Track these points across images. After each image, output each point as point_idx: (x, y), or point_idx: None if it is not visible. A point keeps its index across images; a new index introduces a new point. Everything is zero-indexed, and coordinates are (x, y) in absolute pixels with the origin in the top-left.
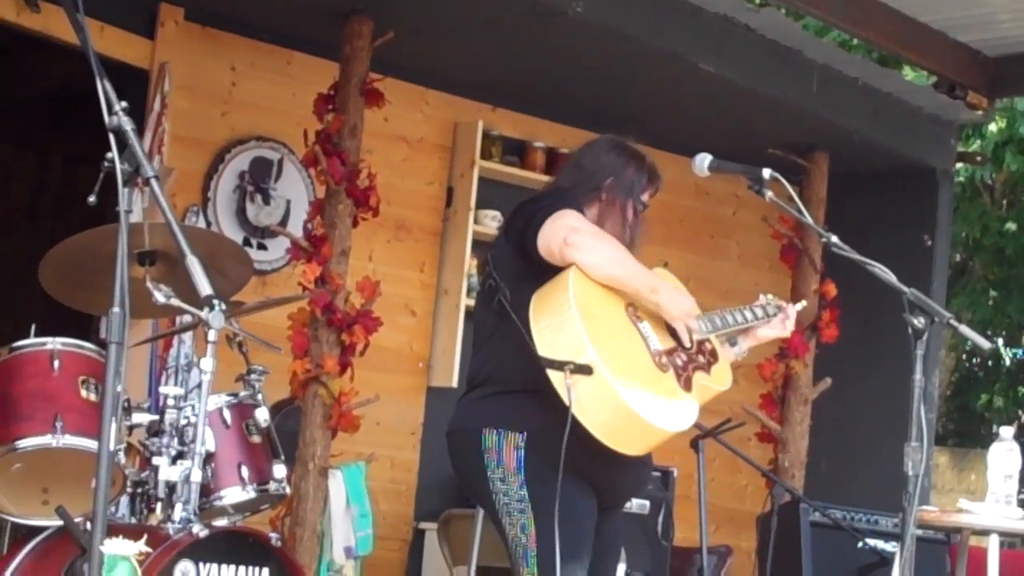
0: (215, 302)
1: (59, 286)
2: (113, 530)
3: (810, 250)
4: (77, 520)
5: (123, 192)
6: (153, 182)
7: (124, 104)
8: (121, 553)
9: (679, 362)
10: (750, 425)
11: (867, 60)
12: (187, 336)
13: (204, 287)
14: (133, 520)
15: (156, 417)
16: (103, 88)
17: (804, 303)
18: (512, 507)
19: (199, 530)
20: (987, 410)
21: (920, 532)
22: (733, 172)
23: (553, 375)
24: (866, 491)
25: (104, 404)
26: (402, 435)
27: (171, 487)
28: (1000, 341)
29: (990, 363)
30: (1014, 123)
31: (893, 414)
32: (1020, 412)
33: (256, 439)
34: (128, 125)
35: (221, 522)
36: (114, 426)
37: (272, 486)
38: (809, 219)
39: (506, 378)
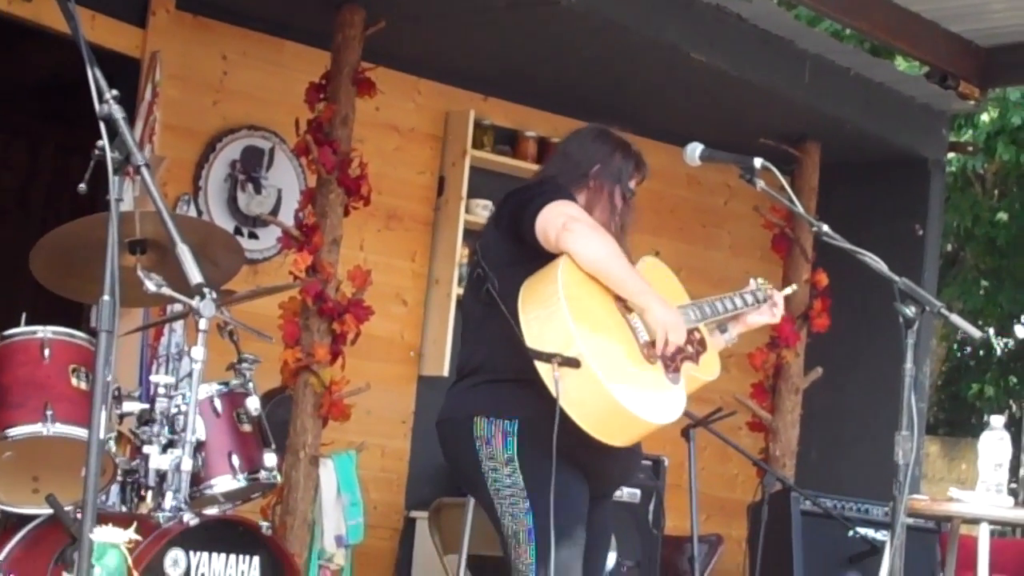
0: (206, 291)
1: (50, 275)
2: (103, 518)
3: (801, 240)
4: (67, 508)
5: (113, 180)
6: (144, 170)
7: (115, 92)
8: (111, 541)
9: (667, 353)
10: (741, 414)
11: (859, 50)
12: (178, 325)
13: (195, 275)
14: (124, 508)
15: (147, 406)
16: (94, 76)
17: (794, 287)
18: (506, 494)
19: (189, 519)
20: (978, 399)
21: (910, 521)
22: (724, 161)
23: (541, 367)
24: (857, 480)
25: (94, 392)
26: (393, 424)
27: (162, 476)
28: (991, 331)
29: (981, 353)
30: (1006, 113)
31: (884, 403)
32: (1011, 401)
33: (247, 428)
34: (119, 113)
35: (211, 511)
36: (104, 414)
37: (263, 475)
38: (800, 208)
39: (496, 367)
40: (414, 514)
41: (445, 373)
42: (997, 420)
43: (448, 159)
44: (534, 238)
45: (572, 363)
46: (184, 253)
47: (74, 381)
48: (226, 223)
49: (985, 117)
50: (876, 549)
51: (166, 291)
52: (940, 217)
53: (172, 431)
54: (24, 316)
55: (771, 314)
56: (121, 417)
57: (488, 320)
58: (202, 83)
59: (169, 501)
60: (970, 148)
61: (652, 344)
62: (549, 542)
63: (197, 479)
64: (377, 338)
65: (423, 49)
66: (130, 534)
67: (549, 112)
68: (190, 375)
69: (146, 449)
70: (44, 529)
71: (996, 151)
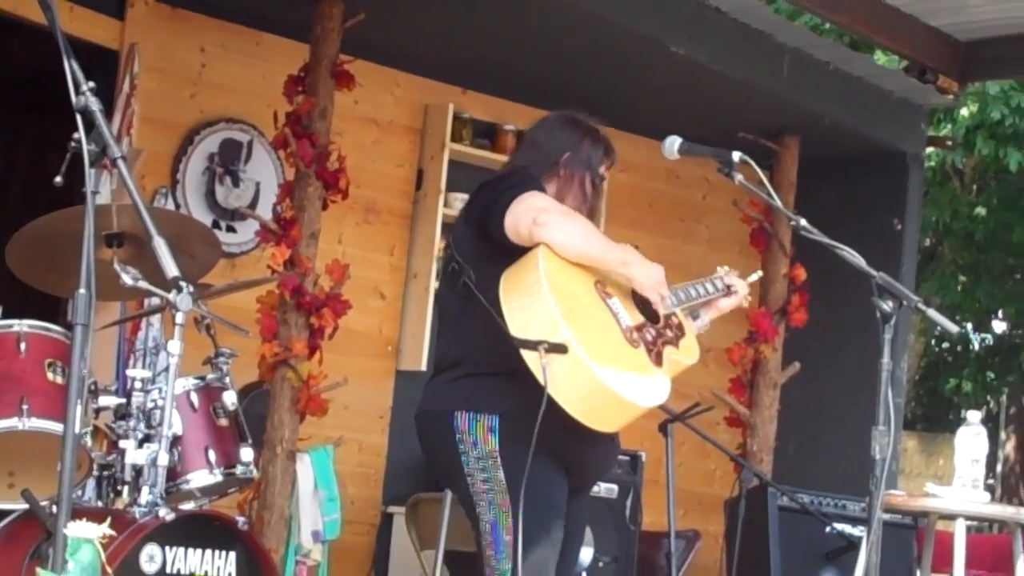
0: (182, 284)
1: (26, 268)
2: (78, 513)
3: (780, 234)
4: (43, 503)
5: (90, 173)
6: (120, 163)
7: (91, 84)
8: (85, 536)
9: (649, 337)
10: (719, 409)
11: (838, 44)
12: (155, 319)
13: (171, 269)
14: (100, 503)
15: (123, 400)
16: (70, 68)
17: (759, 273)
18: (485, 489)
19: (165, 514)
20: (956, 395)
21: (887, 516)
22: (703, 155)
23: (527, 355)
24: (834, 475)
25: (70, 386)
26: (370, 419)
27: (138, 470)
28: (969, 326)
29: (959, 348)
30: (985, 108)
31: (862, 398)
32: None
33: (223, 422)
34: (95, 105)
35: (188, 506)
36: (80, 409)
37: (239, 469)
38: (778, 202)
39: (476, 360)
40: (391, 509)
41: (423, 367)
42: (974, 415)
43: (427, 152)
44: (504, 236)
45: (559, 349)
46: (160, 246)
47: (50, 375)
48: (204, 216)
49: (964, 111)
50: (853, 545)
51: (143, 284)
52: (918, 212)
53: (148, 425)
54: (0, 309)
55: (740, 299)
56: (97, 411)
57: (466, 313)
58: (180, 75)
59: (145, 496)
60: (949, 143)
61: (635, 328)
62: (529, 540)
63: (173, 474)
64: (355, 332)
65: (402, 42)
66: (104, 529)
67: (528, 105)
68: (167, 369)
69: (122, 444)
70: (19, 524)
71: (975, 146)
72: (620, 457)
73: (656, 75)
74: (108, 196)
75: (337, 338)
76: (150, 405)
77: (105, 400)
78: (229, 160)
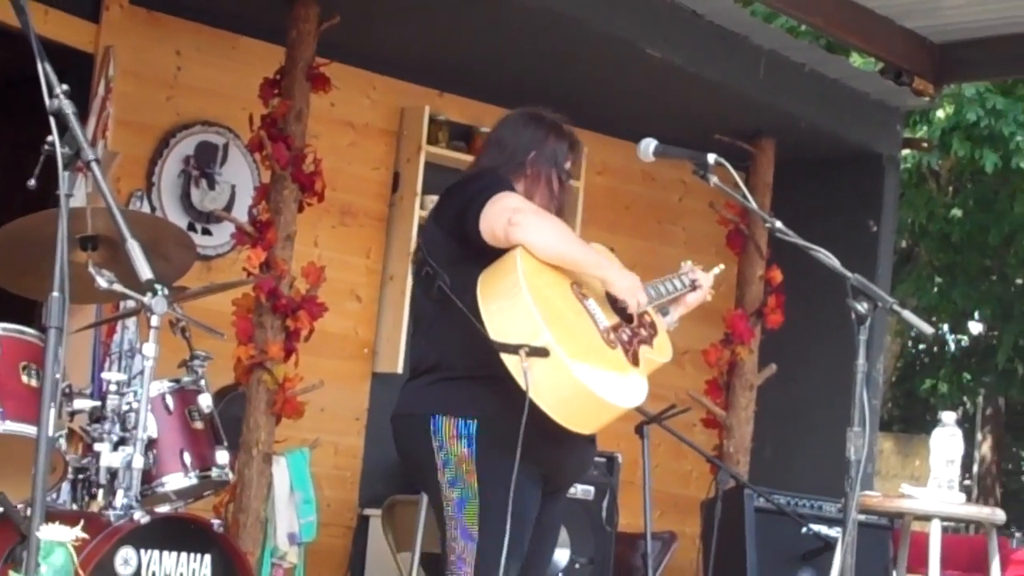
0: (158, 287)
1: (1, 271)
2: (52, 516)
3: (756, 236)
4: (18, 506)
5: (64, 176)
6: (94, 165)
7: (65, 87)
8: (57, 539)
9: (625, 337)
10: (695, 411)
11: (814, 46)
12: (131, 322)
13: (144, 271)
14: (75, 506)
15: (98, 403)
16: (44, 70)
17: (721, 266)
18: (456, 494)
19: (140, 516)
20: (932, 396)
21: (863, 517)
22: (678, 157)
23: (508, 359)
24: (811, 477)
25: (43, 389)
26: (347, 421)
27: (113, 473)
28: (945, 327)
29: (935, 349)
30: (961, 109)
31: (838, 400)
32: (965, 398)
33: (199, 425)
34: (69, 108)
35: (163, 508)
36: (54, 412)
37: (215, 472)
38: (753, 204)
39: (453, 364)
40: (367, 512)
41: (399, 370)
42: (948, 416)
43: (403, 155)
44: (480, 238)
45: (541, 353)
46: (134, 248)
47: (24, 378)
48: (179, 219)
49: (940, 113)
50: (829, 546)
51: (117, 287)
52: (894, 213)
53: (123, 428)
54: None
55: (705, 293)
56: (72, 414)
57: (442, 318)
58: (156, 78)
59: (120, 499)
60: (925, 144)
61: (611, 329)
62: (494, 549)
63: (148, 477)
64: (331, 335)
65: (378, 44)
66: (76, 532)
67: (504, 108)
68: (142, 372)
69: (97, 447)
70: None
71: (951, 147)
72: (596, 459)
73: (632, 77)
74: (84, 199)
75: (313, 340)
76: (125, 408)
77: (80, 403)
78: (205, 163)
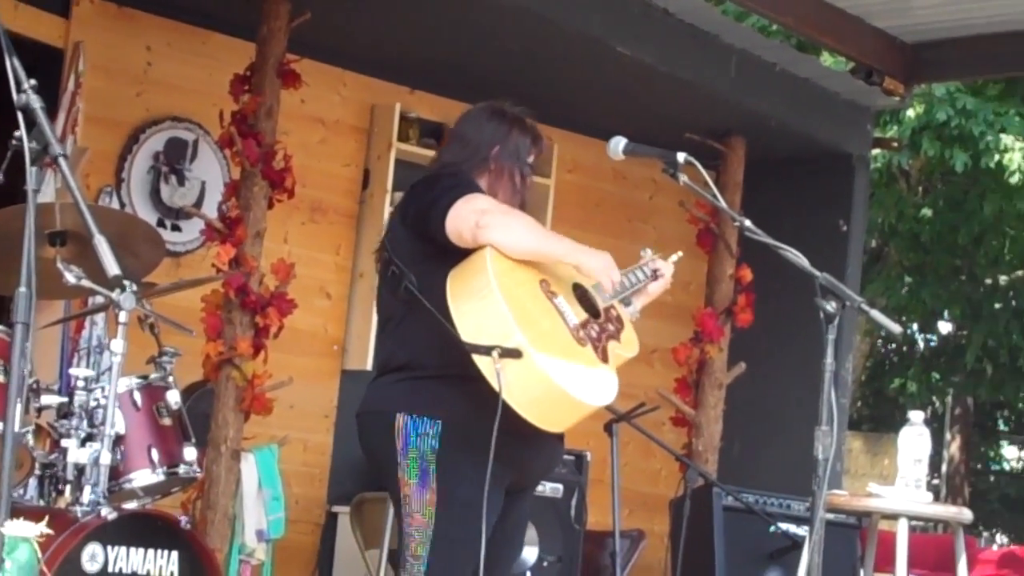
0: (126, 283)
1: None
2: (18, 512)
3: (726, 235)
4: None
5: (31, 171)
6: (61, 161)
7: (33, 82)
8: (22, 535)
9: (593, 334)
10: (664, 409)
11: (785, 45)
12: (100, 318)
13: (111, 267)
14: (41, 502)
15: (65, 399)
16: (11, 65)
17: (680, 254)
18: (415, 494)
19: (107, 513)
20: (901, 395)
21: (831, 516)
22: (648, 156)
23: (480, 360)
24: (779, 475)
25: (10, 385)
26: (315, 418)
27: (80, 469)
28: (915, 327)
29: (904, 349)
30: (931, 109)
31: (807, 399)
32: (934, 397)
33: (167, 421)
34: (37, 103)
35: (130, 505)
36: (20, 407)
37: (182, 469)
38: (723, 203)
39: (421, 364)
40: (336, 509)
41: (368, 367)
42: (916, 416)
43: (373, 152)
44: (446, 239)
45: (513, 354)
46: (101, 244)
47: None
48: (149, 215)
49: (910, 113)
50: (798, 544)
51: (85, 283)
52: (864, 213)
53: (91, 424)
54: None
55: (666, 282)
56: (40, 410)
57: (409, 318)
58: (126, 74)
59: (87, 495)
60: (895, 144)
61: (581, 326)
62: (448, 547)
63: (116, 473)
64: (300, 332)
65: (349, 41)
66: (41, 528)
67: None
68: (110, 368)
69: (64, 443)
70: None
71: (921, 147)
72: (565, 457)
73: (603, 75)
74: (52, 194)
75: (282, 337)
76: (93, 404)
77: (47, 399)
78: (174, 159)
